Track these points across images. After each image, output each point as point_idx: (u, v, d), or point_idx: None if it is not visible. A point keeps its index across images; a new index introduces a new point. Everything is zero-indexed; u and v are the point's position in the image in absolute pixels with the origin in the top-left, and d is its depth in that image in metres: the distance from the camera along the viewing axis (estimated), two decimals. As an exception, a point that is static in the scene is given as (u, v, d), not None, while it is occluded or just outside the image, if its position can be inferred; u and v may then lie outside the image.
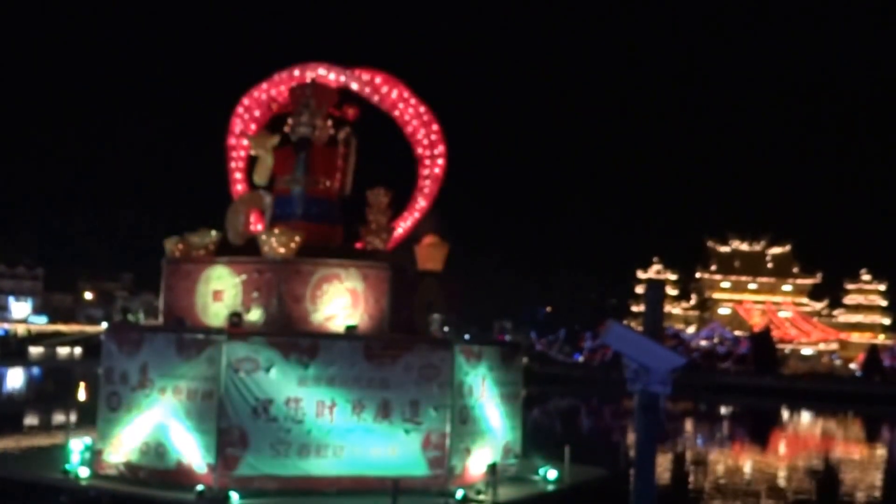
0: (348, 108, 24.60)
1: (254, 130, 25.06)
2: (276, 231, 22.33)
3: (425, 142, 25.59)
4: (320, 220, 24.00)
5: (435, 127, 25.53)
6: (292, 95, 24.65)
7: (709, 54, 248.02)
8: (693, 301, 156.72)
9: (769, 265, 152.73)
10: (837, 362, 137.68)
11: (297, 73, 24.76)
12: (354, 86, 24.91)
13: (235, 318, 20.98)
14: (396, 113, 25.45)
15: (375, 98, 25.14)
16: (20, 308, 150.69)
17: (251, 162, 24.82)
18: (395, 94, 25.23)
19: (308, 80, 24.57)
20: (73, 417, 33.72)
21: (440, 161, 25.65)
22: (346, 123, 24.56)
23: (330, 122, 24.45)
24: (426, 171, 25.83)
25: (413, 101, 25.35)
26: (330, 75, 24.64)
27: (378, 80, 25.27)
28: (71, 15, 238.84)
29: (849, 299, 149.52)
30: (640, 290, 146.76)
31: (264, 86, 25.36)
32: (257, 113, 25.70)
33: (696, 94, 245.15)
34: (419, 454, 20.48)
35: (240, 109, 25.70)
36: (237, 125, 25.89)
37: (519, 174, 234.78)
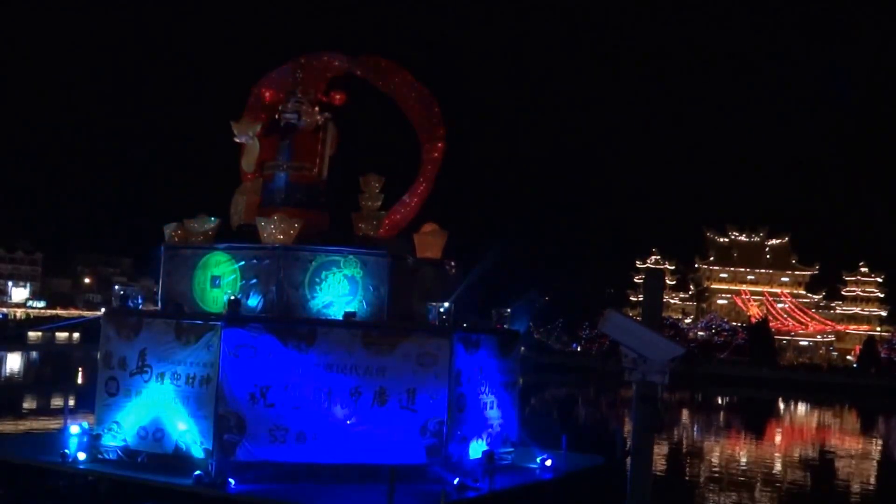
0: (335, 94, 24.51)
1: (264, 118, 24.95)
2: (276, 217, 22.28)
3: (426, 125, 25.54)
4: (305, 206, 23.83)
5: (436, 110, 25.47)
6: (282, 83, 24.56)
7: (709, 47, 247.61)
8: (691, 291, 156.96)
9: (767, 256, 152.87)
10: (834, 354, 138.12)
11: (303, 61, 24.69)
12: (358, 70, 24.86)
13: (234, 304, 20.95)
14: (399, 97, 25.39)
15: (379, 82, 25.09)
16: (19, 292, 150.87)
17: None
18: (398, 78, 25.18)
19: (313, 68, 24.47)
20: (71, 402, 33.74)
21: (440, 144, 25.60)
22: (334, 109, 24.46)
23: (317, 109, 24.36)
24: (427, 155, 25.78)
25: (415, 84, 25.30)
26: (335, 62, 24.58)
27: (382, 64, 25.24)
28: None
29: (846, 291, 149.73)
30: (638, 279, 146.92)
31: (273, 74, 25.28)
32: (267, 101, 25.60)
33: (695, 86, 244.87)
34: (416, 441, 20.49)
35: (251, 99, 25.62)
36: (249, 114, 25.78)
37: (519, 163, 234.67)
